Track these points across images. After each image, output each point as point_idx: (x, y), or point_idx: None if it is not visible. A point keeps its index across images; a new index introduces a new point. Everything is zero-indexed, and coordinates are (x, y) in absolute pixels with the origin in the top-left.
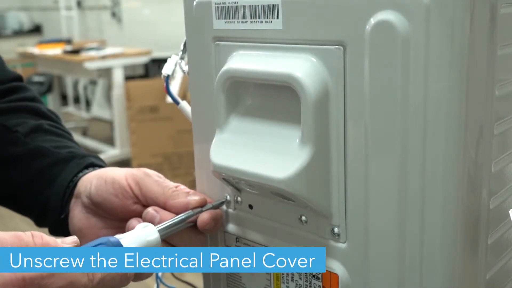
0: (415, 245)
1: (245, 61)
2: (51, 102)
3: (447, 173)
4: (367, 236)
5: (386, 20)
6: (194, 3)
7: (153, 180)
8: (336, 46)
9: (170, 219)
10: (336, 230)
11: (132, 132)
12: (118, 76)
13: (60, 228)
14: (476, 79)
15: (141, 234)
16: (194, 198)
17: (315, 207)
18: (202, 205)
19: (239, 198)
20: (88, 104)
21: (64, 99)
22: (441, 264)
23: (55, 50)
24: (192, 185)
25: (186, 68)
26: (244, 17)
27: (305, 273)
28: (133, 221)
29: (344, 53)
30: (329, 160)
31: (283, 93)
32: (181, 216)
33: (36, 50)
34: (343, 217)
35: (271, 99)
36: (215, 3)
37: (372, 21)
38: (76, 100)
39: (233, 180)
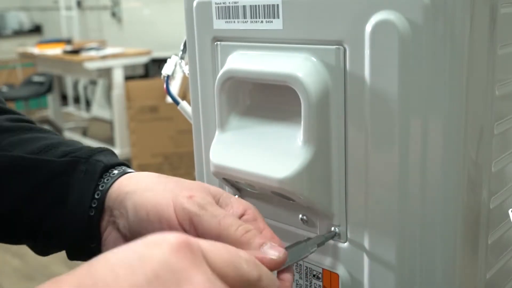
0: (415, 245)
1: (245, 61)
2: (51, 102)
3: (447, 173)
4: (367, 236)
5: (386, 20)
6: (195, 3)
7: (211, 215)
8: (336, 46)
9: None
10: (336, 230)
11: (132, 132)
12: (118, 76)
13: (84, 254)
14: (476, 79)
15: None
16: (272, 253)
17: (315, 207)
18: (281, 265)
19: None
20: (88, 104)
21: (64, 99)
22: (441, 264)
23: (55, 50)
24: None
25: (186, 68)
26: (245, 17)
27: (305, 273)
28: None
29: (344, 53)
30: (330, 160)
31: (283, 93)
32: (296, 255)
33: (36, 50)
34: (343, 217)
35: (271, 99)
36: (216, 3)
37: (372, 21)
38: (76, 100)
39: (233, 180)
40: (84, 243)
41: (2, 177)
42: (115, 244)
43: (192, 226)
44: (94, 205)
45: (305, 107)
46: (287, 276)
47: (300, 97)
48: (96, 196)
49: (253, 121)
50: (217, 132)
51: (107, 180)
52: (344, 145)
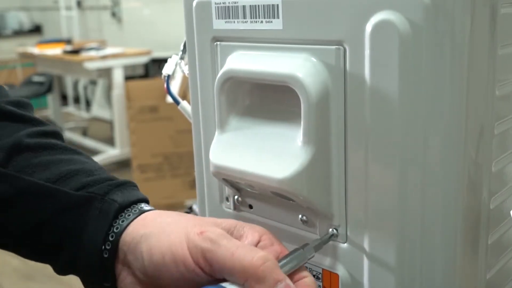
0: (415, 245)
1: (245, 61)
2: (51, 102)
3: (447, 173)
4: (367, 236)
5: (386, 20)
6: (194, 3)
7: (224, 249)
8: (336, 46)
9: (282, 260)
10: (334, 231)
11: (132, 132)
12: (118, 76)
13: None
14: (477, 79)
15: None
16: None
17: (315, 207)
18: None
19: (239, 198)
20: (88, 104)
21: (64, 99)
22: (441, 264)
23: (55, 50)
24: (192, 185)
25: (186, 68)
26: (244, 17)
27: None
28: None
29: (344, 53)
30: (329, 161)
31: (283, 94)
32: (295, 262)
33: (36, 50)
34: (343, 217)
35: (271, 99)
36: (215, 3)
37: (372, 21)
38: (76, 100)
39: (233, 181)
40: (98, 281)
41: (17, 201)
42: (133, 286)
43: (207, 263)
44: (108, 247)
45: (305, 107)
46: (310, 280)
47: (300, 97)
48: (110, 238)
49: (252, 121)
50: (216, 133)
51: (122, 221)
52: (344, 146)
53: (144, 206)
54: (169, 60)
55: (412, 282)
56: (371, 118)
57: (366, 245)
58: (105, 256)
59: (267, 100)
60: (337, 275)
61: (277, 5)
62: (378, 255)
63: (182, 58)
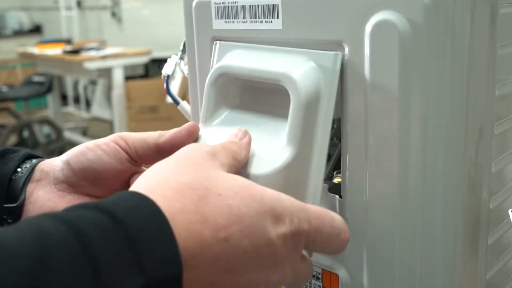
0: (415, 245)
1: (240, 59)
2: (51, 102)
3: (447, 173)
4: (367, 236)
5: (386, 20)
6: (194, 3)
7: (137, 134)
8: (336, 46)
9: None
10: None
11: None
12: (118, 76)
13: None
14: (476, 79)
15: None
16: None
17: None
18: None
19: None
20: (88, 104)
21: (64, 99)
22: (441, 264)
23: (55, 50)
24: None
25: (185, 68)
26: (244, 17)
27: None
28: (135, 177)
29: (344, 53)
30: (309, 166)
31: (274, 96)
32: None
33: (36, 50)
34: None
35: (262, 98)
36: (215, 3)
37: (372, 21)
38: (76, 100)
39: None
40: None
41: None
42: (48, 194)
43: (124, 141)
44: (15, 178)
45: (293, 106)
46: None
47: (290, 95)
48: (18, 171)
49: (240, 119)
50: (200, 126)
51: (29, 163)
52: (327, 150)
53: None
54: (168, 60)
55: (412, 282)
56: (370, 117)
57: (365, 245)
58: (15, 180)
59: (257, 101)
60: (336, 275)
61: (277, 5)
62: (378, 255)
63: (181, 58)
